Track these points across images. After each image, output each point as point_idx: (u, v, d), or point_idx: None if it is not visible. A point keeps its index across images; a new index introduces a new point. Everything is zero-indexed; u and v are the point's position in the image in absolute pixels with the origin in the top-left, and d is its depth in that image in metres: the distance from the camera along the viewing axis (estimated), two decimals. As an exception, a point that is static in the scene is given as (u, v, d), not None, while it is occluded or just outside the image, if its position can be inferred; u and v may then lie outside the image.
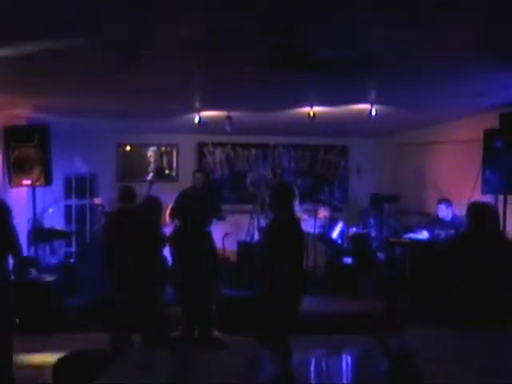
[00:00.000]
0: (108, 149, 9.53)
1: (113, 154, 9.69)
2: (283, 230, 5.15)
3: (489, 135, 6.35)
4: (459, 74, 5.17)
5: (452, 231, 6.98)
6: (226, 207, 8.40)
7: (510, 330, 4.14)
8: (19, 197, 7.60)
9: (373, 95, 6.31)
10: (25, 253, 7.42)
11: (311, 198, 9.27)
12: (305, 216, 8.04)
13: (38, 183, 7.34)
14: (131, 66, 4.82)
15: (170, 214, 8.16)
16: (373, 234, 8.66)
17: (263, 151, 10.09)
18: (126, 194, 5.95)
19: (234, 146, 10.03)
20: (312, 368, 3.48)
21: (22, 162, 7.27)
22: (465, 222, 6.44)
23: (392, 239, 8.01)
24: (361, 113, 6.90)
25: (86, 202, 9.29)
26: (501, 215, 6.05)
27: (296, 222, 5.24)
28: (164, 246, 6.14)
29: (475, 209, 4.79)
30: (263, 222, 7.97)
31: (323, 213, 8.48)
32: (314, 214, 8.50)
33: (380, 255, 8.37)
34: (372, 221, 8.82)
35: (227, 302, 6.84)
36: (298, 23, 3.60)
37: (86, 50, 4.29)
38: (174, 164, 9.90)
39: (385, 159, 9.91)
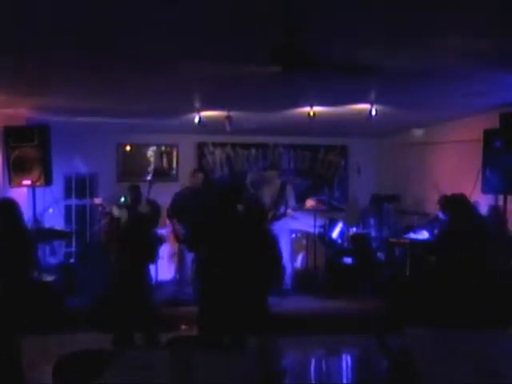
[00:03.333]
0: (108, 149, 9.54)
1: (113, 154, 9.69)
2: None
3: (489, 135, 6.35)
4: (459, 74, 5.17)
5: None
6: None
7: (510, 330, 4.14)
8: (19, 197, 7.57)
9: (373, 95, 6.30)
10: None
11: (307, 196, 9.27)
12: (289, 211, 8.04)
13: (38, 183, 7.34)
14: (131, 66, 4.82)
15: (168, 215, 8.18)
16: (373, 234, 8.66)
17: (263, 151, 10.10)
18: (132, 194, 6.04)
19: (234, 145, 10.04)
20: (312, 368, 3.48)
21: (22, 161, 7.26)
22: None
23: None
24: (361, 113, 6.90)
25: (86, 202, 9.29)
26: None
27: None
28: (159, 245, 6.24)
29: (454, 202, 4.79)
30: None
31: (310, 203, 8.49)
32: (302, 206, 8.54)
33: (380, 255, 8.37)
34: (372, 221, 8.82)
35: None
36: (298, 23, 3.59)
37: (85, 50, 4.30)
38: (174, 164, 9.90)
39: (385, 159, 9.91)
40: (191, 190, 8.13)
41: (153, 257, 6.24)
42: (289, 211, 8.00)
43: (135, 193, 6.28)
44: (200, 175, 8.26)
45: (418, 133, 8.45)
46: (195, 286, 6.37)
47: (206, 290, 5.44)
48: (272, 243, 5.31)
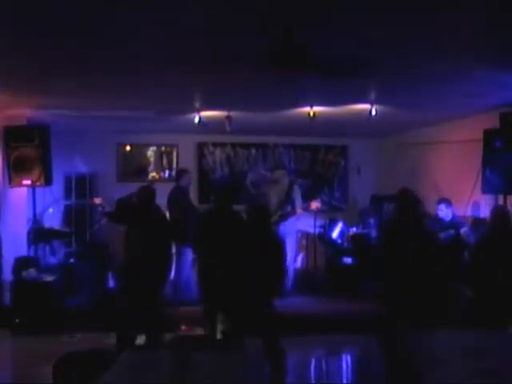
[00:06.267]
0: (108, 149, 9.53)
1: (113, 154, 9.69)
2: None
3: (489, 135, 6.35)
4: (459, 74, 5.17)
5: (452, 231, 6.97)
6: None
7: (510, 330, 4.15)
8: (19, 197, 7.59)
9: (373, 95, 6.31)
10: (25, 253, 7.45)
11: (311, 197, 9.28)
12: (299, 210, 8.08)
13: (38, 183, 7.34)
14: (132, 66, 4.82)
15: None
16: (373, 234, 8.65)
17: (263, 151, 10.10)
18: (147, 194, 5.98)
19: (234, 145, 10.03)
20: (312, 368, 3.48)
21: (22, 161, 7.26)
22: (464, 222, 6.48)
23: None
24: (361, 113, 6.90)
25: (86, 201, 9.28)
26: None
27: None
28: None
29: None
30: None
31: (315, 204, 8.54)
32: (307, 207, 8.59)
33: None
34: (372, 221, 8.81)
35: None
36: (297, 23, 3.60)
37: (86, 50, 4.31)
38: (174, 164, 9.90)
39: (385, 159, 9.91)
40: (180, 189, 8.06)
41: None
42: (299, 210, 8.02)
43: (148, 194, 6.05)
44: (187, 175, 8.19)
45: None
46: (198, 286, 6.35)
47: (208, 291, 5.46)
48: (278, 244, 5.30)
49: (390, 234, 5.27)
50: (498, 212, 5.24)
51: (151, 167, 9.92)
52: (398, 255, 4.99)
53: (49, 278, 7.03)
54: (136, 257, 5.70)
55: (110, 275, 7.81)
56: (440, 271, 5.04)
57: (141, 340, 5.73)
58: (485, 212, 6.60)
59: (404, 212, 5.14)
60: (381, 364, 3.19)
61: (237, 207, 6.21)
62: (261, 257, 5.02)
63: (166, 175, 9.88)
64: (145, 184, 6.69)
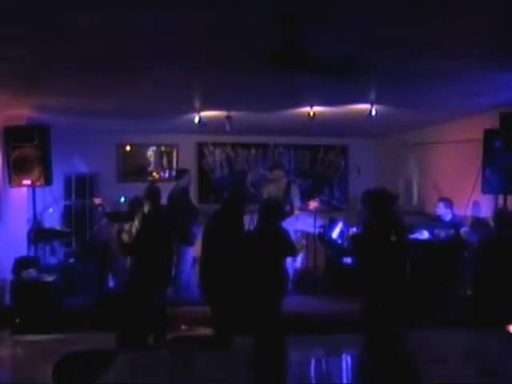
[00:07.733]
0: (108, 149, 9.53)
1: (113, 154, 9.69)
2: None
3: (489, 135, 6.35)
4: (459, 74, 5.17)
5: (452, 231, 6.98)
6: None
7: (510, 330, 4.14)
8: (19, 197, 7.60)
9: (373, 95, 6.31)
10: (25, 253, 7.45)
11: (310, 197, 9.28)
12: (297, 211, 8.09)
13: (38, 183, 7.34)
14: (131, 66, 4.82)
15: None
16: (373, 233, 8.63)
17: (263, 151, 10.10)
18: (152, 194, 5.98)
19: (234, 145, 10.04)
20: (312, 368, 3.47)
21: (22, 162, 7.26)
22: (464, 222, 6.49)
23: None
24: (361, 113, 6.91)
25: (86, 202, 9.28)
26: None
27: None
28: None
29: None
30: None
31: (313, 204, 8.57)
32: (305, 207, 8.61)
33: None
34: (372, 221, 8.80)
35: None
36: (298, 23, 3.60)
37: (86, 50, 4.31)
38: (174, 164, 9.90)
39: (385, 159, 9.91)
40: (180, 189, 8.05)
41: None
42: (296, 210, 8.03)
43: (154, 194, 6.05)
44: (187, 175, 8.17)
45: None
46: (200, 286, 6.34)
47: (215, 290, 5.47)
48: (288, 241, 5.30)
49: (367, 234, 5.35)
50: (502, 214, 5.29)
51: (151, 167, 9.92)
52: (373, 255, 5.07)
53: (49, 278, 7.03)
54: (142, 256, 5.70)
55: (109, 275, 7.81)
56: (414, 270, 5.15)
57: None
58: (485, 212, 6.61)
59: (378, 212, 5.23)
60: (380, 364, 3.20)
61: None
62: (274, 254, 5.04)
63: (166, 175, 9.89)
64: (149, 184, 6.70)
